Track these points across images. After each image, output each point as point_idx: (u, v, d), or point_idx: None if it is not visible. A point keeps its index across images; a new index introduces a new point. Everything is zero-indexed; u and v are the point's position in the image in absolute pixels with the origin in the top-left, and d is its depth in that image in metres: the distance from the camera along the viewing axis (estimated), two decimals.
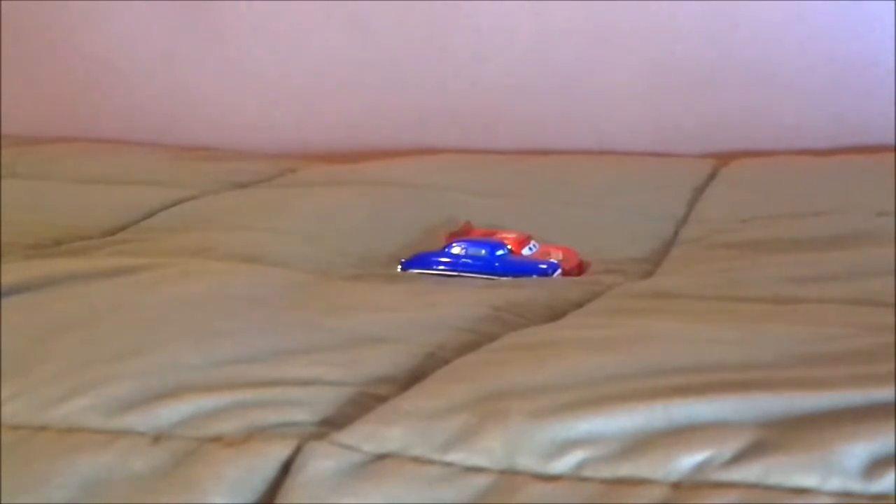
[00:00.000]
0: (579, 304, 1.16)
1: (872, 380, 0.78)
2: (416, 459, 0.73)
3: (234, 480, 0.74)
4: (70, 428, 0.80)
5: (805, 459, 0.69)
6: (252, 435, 0.78)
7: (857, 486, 0.68)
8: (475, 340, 0.99)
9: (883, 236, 1.40)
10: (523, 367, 0.84)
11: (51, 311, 1.02)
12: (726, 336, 0.94)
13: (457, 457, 0.73)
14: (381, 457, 0.74)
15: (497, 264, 1.33)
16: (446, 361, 0.92)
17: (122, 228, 1.56)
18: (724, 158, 2.07)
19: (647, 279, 1.32)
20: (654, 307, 1.12)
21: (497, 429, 0.74)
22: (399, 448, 0.74)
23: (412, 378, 0.88)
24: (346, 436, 0.76)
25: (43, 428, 0.81)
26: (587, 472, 0.71)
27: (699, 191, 1.81)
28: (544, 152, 2.17)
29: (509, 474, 0.72)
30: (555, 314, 1.12)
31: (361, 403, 0.83)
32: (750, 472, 0.69)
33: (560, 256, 1.36)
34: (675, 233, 1.57)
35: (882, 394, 0.75)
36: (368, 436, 0.76)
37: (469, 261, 1.33)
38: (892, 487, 0.67)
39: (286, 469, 0.75)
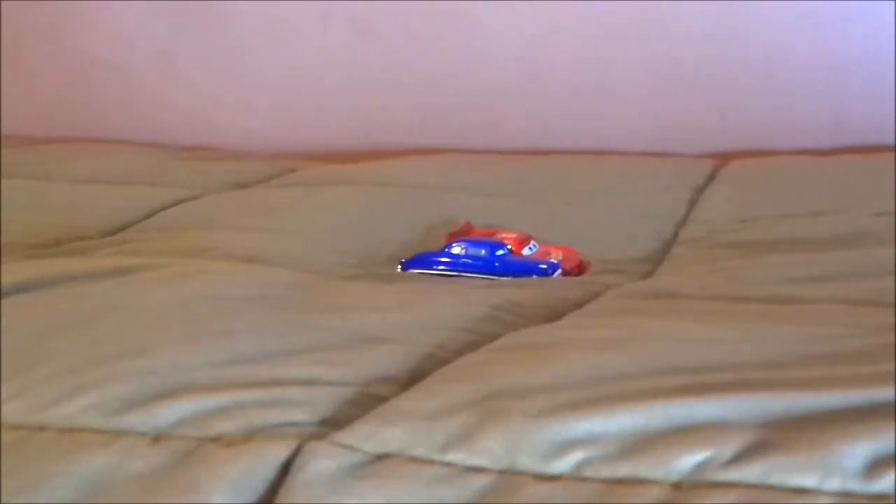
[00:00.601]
0: (579, 304, 1.16)
1: (872, 380, 0.78)
2: (416, 459, 0.73)
3: (234, 480, 0.74)
4: (70, 428, 0.80)
5: (805, 459, 0.69)
6: (252, 435, 0.78)
7: (857, 486, 0.68)
8: (475, 340, 0.99)
9: (883, 236, 1.40)
10: (523, 367, 0.84)
11: (51, 311, 1.02)
12: (726, 336, 0.94)
13: (457, 457, 0.73)
14: (382, 457, 0.74)
15: (497, 264, 1.33)
16: (446, 361, 0.92)
17: (122, 228, 1.56)
18: (724, 158, 2.07)
19: (647, 279, 1.32)
20: (654, 307, 1.12)
21: (497, 429, 0.74)
22: (399, 448, 0.74)
23: (412, 378, 0.88)
24: (346, 436, 0.76)
25: (43, 428, 0.81)
26: (587, 472, 0.71)
27: (699, 191, 1.81)
28: (544, 152, 2.17)
29: (509, 474, 0.72)
30: (555, 314, 1.12)
31: (361, 403, 0.83)
32: (750, 472, 0.69)
33: (560, 256, 1.36)
34: (675, 233, 1.57)
35: (882, 394, 0.75)
36: (368, 436, 0.76)
37: (469, 261, 1.33)
38: (892, 487, 0.67)
39: (286, 469, 0.75)
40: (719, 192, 1.80)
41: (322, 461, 0.74)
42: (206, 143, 2.37)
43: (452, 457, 0.73)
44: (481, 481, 0.72)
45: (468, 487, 0.71)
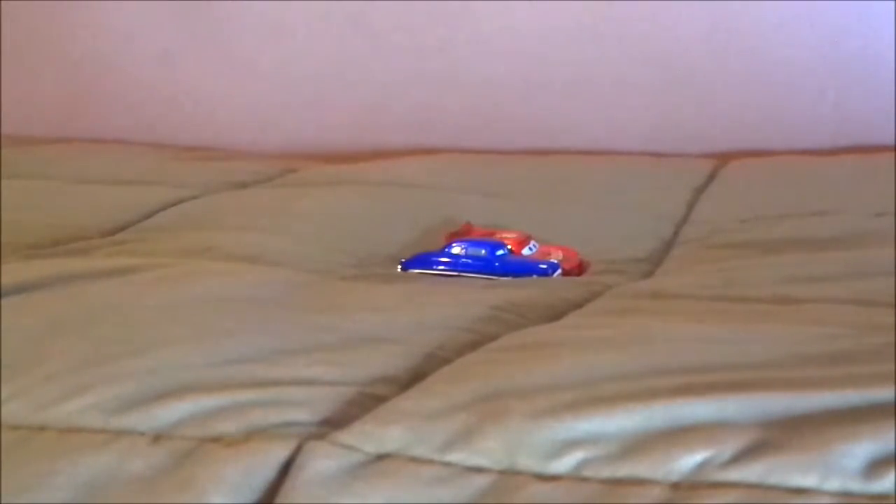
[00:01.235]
0: (579, 304, 1.16)
1: (872, 380, 0.78)
2: (416, 459, 0.73)
3: (234, 480, 0.74)
4: (70, 428, 0.80)
5: (805, 459, 0.69)
6: (252, 435, 0.78)
7: (857, 486, 0.68)
8: (475, 340, 0.99)
9: (883, 236, 1.40)
10: (523, 367, 0.84)
11: (51, 311, 1.02)
12: (726, 336, 0.94)
13: (457, 457, 0.73)
14: (381, 457, 0.74)
15: (497, 264, 1.33)
16: (446, 361, 0.92)
17: (122, 228, 1.56)
18: (724, 158, 2.07)
19: (647, 279, 1.32)
20: (654, 307, 1.12)
21: (497, 429, 0.74)
22: (399, 448, 0.74)
23: (412, 378, 0.88)
24: (346, 436, 0.76)
25: (43, 428, 0.81)
26: (587, 472, 0.71)
27: (699, 191, 1.81)
28: (544, 152, 2.17)
29: (509, 474, 0.72)
30: (555, 314, 1.12)
31: (361, 403, 0.83)
32: (750, 472, 0.69)
33: (560, 256, 1.36)
34: (675, 233, 1.57)
35: (882, 394, 0.75)
36: (368, 436, 0.76)
37: (469, 261, 1.33)
38: (892, 487, 0.67)
39: (286, 469, 0.75)
40: (719, 192, 1.80)
41: (322, 461, 0.74)
42: (206, 143, 2.37)
43: (452, 457, 0.73)
44: (481, 481, 0.72)
45: (468, 487, 0.71)
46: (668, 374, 0.80)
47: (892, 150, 1.96)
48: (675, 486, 0.69)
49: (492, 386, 0.80)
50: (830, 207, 1.61)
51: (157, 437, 0.78)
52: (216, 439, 0.77)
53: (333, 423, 0.80)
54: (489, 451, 0.73)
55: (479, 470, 0.72)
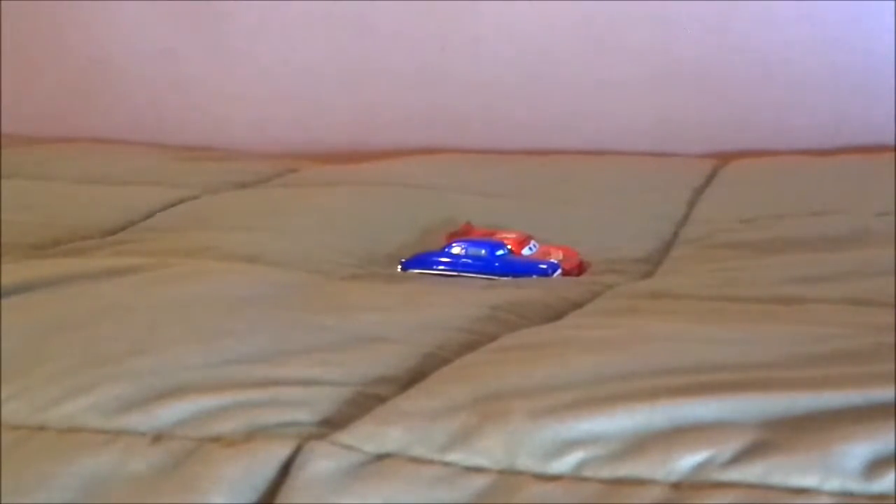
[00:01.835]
0: (579, 304, 1.16)
1: (872, 380, 0.78)
2: (416, 459, 0.73)
3: (234, 480, 0.74)
4: (70, 428, 0.80)
5: (805, 459, 0.69)
6: (252, 435, 0.78)
7: (857, 486, 0.68)
8: (475, 340, 0.99)
9: (883, 236, 1.40)
10: (523, 367, 0.84)
11: (51, 311, 1.02)
12: (726, 336, 0.94)
13: (457, 457, 0.73)
14: (381, 457, 0.74)
15: (497, 264, 1.32)
16: (446, 361, 0.92)
17: (122, 228, 1.56)
18: (724, 158, 2.07)
19: (647, 279, 1.32)
20: (654, 307, 1.12)
21: (497, 429, 0.74)
22: (399, 448, 0.74)
23: (412, 378, 0.88)
24: (346, 436, 0.76)
25: (43, 428, 0.81)
26: (587, 472, 0.71)
27: (699, 191, 1.81)
28: (544, 152, 2.17)
29: (509, 474, 0.72)
30: (555, 314, 1.12)
31: (361, 403, 0.83)
32: (750, 472, 0.69)
33: (560, 256, 1.36)
34: (675, 233, 1.57)
35: (882, 394, 0.75)
36: (368, 436, 0.76)
37: (469, 261, 1.33)
38: (892, 487, 0.67)
39: (286, 469, 0.75)
40: (719, 192, 1.80)
41: (322, 461, 0.74)
42: (206, 143, 2.37)
43: (452, 457, 0.73)
44: (481, 481, 0.72)
45: (468, 487, 0.71)
46: (668, 374, 0.80)
47: (892, 150, 1.96)
48: (676, 486, 0.69)
49: (492, 386, 0.80)
50: (830, 207, 1.61)
51: (158, 437, 0.78)
52: (216, 439, 0.77)
53: (333, 423, 0.80)
54: (489, 451, 0.73)
55: (478, 470, 0.72)
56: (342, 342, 0.95)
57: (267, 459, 0.75)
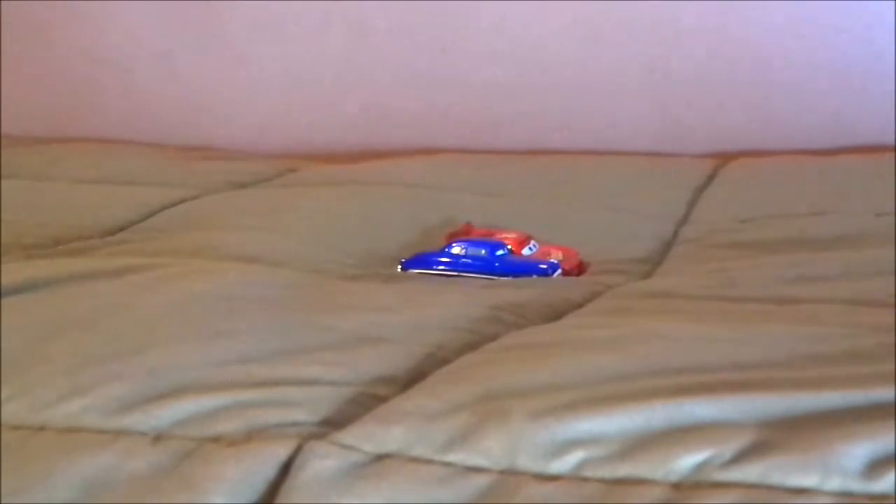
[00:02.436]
0: (579, 304, 1.16)
1: (872, 380, 0.78)
2: (416, 459, 0.73)
3: (234, 480, 0.74)
4: (70, 428, 0.80)
5: (805, 459, 0.69)
6: (252, 435, 0.78)
7: (857, 486, 0.68)
8: (475, 340, 0.99)
9: (883, 236, 1.40)
10: (523, 367, 0.84)
11: (51, 311, 1.02)
12: (727, 336, 0.94)
13: (457, 457, 0.73)
14: (382, 457, 0.74)
15: (497, 264, 1.32)
16: (446, 361, 0.92)
17: (122, 228, 1.56)
18: (724, 158, 2.07)
19: (647, 279, 1.32)
20: (654, 307, 1.12)
21: (497, 429, 0.74)
22: (399, 448, 0.74)
23: (412, 378, 0.88)
24: (346, 436, 0.76)
25: (43, 428, 0.81)
26: (587, 472, 0.71)
27: (699, 191, 1.81)
28: (544, 152, 2.17)
29: (509, 474, 0.72)
30: (555, 314, 1.12)
31: (361, 403, 0.83)
32: (750, 472, 0.69)
33: (560, 256, 1.36)
34: (675, 233, 1.57)
35: (882, 394, 0.75)
36: (368, 436, 0.76)
37: (469, 261, 1.33)
38: (892, 487, 0.67)
39: (286, 469, 0.75)
40: (719, 192, 1.80)
41: (322, 461, 0.74)
42: (206, 143, 2.37)
43: (452, 457, 0.73)
44: (481, 481, 0.72)
45: (468, 487, 0.71)
46: (668, 374, 0.80)
47: (892, 150, 1.96)
48: (676, 486, 0.69)
49: (492, 386, 0.80)
50: (830, 207, 1.61)
51: (158, 437, 0.78)
52: (216, 439, 0.77)
53: (333, 423, 0.80)
54: (489, 451, 0.73)
55: (478, 470, 0.72)
56: (342, 342, 0.95)
57: (267, 459, 0.75)
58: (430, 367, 0.91)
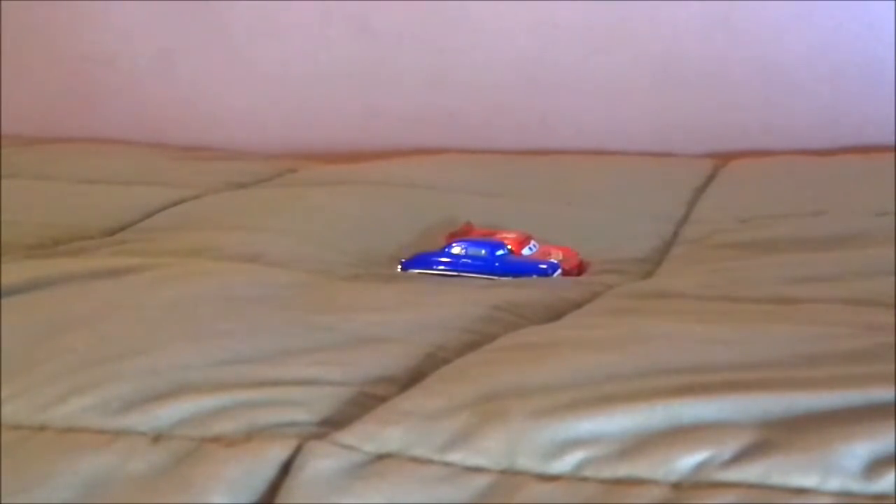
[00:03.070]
0: (579, 304, 1.16)
1: (872, 380, 0.78)
2: (416, 459, 0.73)
3: (234, 480, 0.74)
4: (70, 428, 0.80)
5: (805, 459, 0.69)
6: (252, 435, 0.78)
7: (857, 486, 0.68)
8: (475, 340, 0.99)
9: (883, 236, 1.40)
10: (523, 367, 0.84)
11: (51, 311, 1.02)
12: (726, 336, 0.94)
13: (457, 457, 0.73)
14: (381, 457, 0.74)
15: (497, 264, 1.32)
16: (446, 361, 0.92)
17: (122, 228, 1.56)
18: (724, 158, 2.07)
19: (647, 279, 1.32)
20: (654, 307, 1.11)
21: (497, 429, 0.74)
22: (399, 448, 0.74)
23: (412, 378, 0.88)
24: (346, 436, 0.76)
25: (43, 428, 0.81)
26: (587, 472, 0.71)
27: (699, 191, 1.81)
28: (544, 152, 2.17)
29: (509, 474, 0.72)
30: (555, 314, 1.12)
31: (361, 403, 0.83)
32: (750, 472, 0.69)
33: (560, 256, 1.36)
34: (675, 233, 1.57)
35: (882, 394, 0.75)
36: (368, 436, 0.76)
37: (469, 261, 1.33)
38: (892, 487, 0.67)
39: (286, 469, 0.75)
40: (719, 192, 1.80)
41: (322, 461, 0.74)
42: (206, 143, 2.37)
43: (452, 457, 0.73)
44: (481, 481, 0.72)
45: (468, 487, 0.71)
46: (668, 374, 0.80)
47: (892, 150, 1.96)
48: (676, 486, 0.69)
49: (492, 386, 0.80)
50: (830, 207, 1.61)
51: (158, 437, 0.78)
52: (216, 439, 0.77)
53: (333, 423, 0.80)
54: (489, 451, 0.73)
55: (478, 470, 0.72)
56: (342, 342, 0.95)
57: (267, 459, 0.75)
58: (430, 367, 0.91)
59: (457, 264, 1.33)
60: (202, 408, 0.81)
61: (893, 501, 0.67)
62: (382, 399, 0.84)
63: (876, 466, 0.68)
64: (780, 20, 2.15)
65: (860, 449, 0.69)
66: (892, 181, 1.65)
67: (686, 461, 0.70)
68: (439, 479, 0.72)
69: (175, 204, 1.69)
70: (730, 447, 0.71)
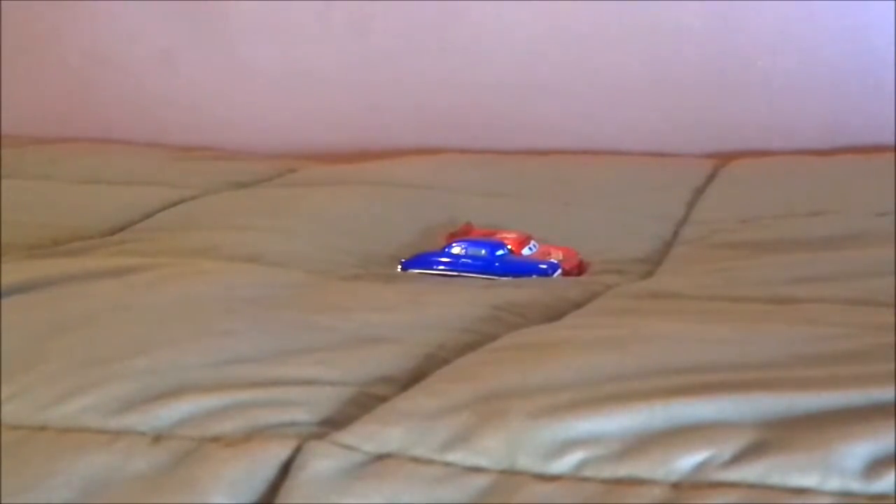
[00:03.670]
0: (579, 304, 1.16)
1: (872, 380, 0.78)
2: (416, 459, 0.73)
3: (234, 480, 0.74)
4: (70, 428, 0.80)
5: (805, 459, 0.69)
6: (252, 435, 0.78)
7: (857, 486, 0.68)
8: (475, 340, 0.99)
9: (883, 236, 1.40)
10: (523, 367, 0.84)
11: (51, 311, 1.02)
12: (726, 336, 0.94)
13: (457, 457, 0.73)
14: (381, 457, 0.74)
15: (497, 264, 1.33)
16: (446, 361, 0.92)
17: (122, 228, 1.56)
18: (724, 158, 2.07)
19: (647, 279, 1.32)
20: (654, 307, 1.12)
21: (497, 429, 0.74)
22: (399, 448, 0.74)
23: (412, 378, 0.88)
24: (346, 436, 0.76)
25: (43, 428, 0.81)
26: (587, 472, 0.71)
27: (699, 191, 1.81)
28: (544, 152, 2.17)
29: (509, 474, 0.72)
30: (555, 314, 1.12)
31: (361, 403, 0.83)
32: (750, 472, 0.69)
33: (560, 256, 1.36)
34: (675, 233, 1.57)
35: (882, 394, 0.75)
36: (368, 436, 0.76)
37: (469, 261, 1.33)
38: (892, 487, 0.67)
39: (286, 469, 0.75)
40: (719, 192, 1.80)
41: (322, 461, 0.74)
42: (206, 143, 2.37)
43: (452, 457, 0.73)
44: (481, 481, 0.72)
45: (468, 487, 0.71)
46: (668, 374, 0.80)
47: (892, 150, 1.96)
48: (676, 486, 0.69)
49: (492, 386, 0.80)
50: (830, 207, 1.61)
51: (158, 437, 0.78)
52: (216, 439, 0.77)
53: (333, 423, 0.80)
54: (489, 451, 0.73)
55: (478, 470, 0.72)
56: (342, 342, 0.95)
57: (267, 459, 0.75)
58: (430, 367, 0.91)
59: (457, 264, 1.33)
60: (202, 408, 0.81)
61: (893, 501, 0.67)
62: (382, 399, 0.84)
63: (876, 466, 0.68)
64: (780, 20, 2.15)
65: (860, 449, 0.69)
66: (892, 181, 1.65)
67: (686, 461, 0.70)
68: (439, 479, 0.72)
69: (175, 204, 1.70)
70: (730, 447, 0.71)
